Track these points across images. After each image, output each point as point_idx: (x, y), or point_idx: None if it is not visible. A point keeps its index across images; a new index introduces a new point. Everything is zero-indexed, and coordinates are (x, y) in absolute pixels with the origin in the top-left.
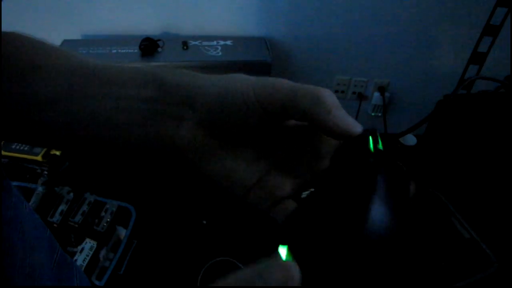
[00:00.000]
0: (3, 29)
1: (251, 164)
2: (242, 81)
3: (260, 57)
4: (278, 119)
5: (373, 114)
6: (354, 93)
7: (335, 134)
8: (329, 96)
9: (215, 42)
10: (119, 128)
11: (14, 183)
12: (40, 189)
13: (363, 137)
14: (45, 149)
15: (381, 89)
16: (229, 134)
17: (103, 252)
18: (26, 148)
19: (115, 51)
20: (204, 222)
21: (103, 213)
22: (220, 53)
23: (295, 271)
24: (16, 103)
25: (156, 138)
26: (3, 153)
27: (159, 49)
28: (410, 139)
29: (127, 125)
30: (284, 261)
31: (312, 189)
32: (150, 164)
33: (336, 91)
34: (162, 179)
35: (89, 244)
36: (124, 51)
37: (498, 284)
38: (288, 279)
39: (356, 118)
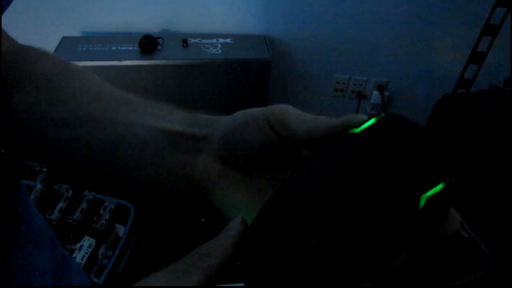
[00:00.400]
0: (3, 28)
1: (259, 196)
2: (253, 110)
3: (260, 55)
4: (291, 146)
5: (372, 113)
6: (353, 91)
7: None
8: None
9: (214, 40)
10: (143, 156)
11: None
12: (39, 186)
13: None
14: None
15: (380, 88)
16: (245, 161)
17: (101, 250)
18: None
19: (114, 48)
20: (203, 219)
21: (102, 211)
22: (219, 51)
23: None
24: (39, 119)
25: (173, 168)
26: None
27: (159, 47)
28: None
29: (151, 155)
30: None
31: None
32: (161, 191)
33: (335, 90)
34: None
35: (87, 242)
36: (124, 48)
37: (496, 283)
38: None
39: None
